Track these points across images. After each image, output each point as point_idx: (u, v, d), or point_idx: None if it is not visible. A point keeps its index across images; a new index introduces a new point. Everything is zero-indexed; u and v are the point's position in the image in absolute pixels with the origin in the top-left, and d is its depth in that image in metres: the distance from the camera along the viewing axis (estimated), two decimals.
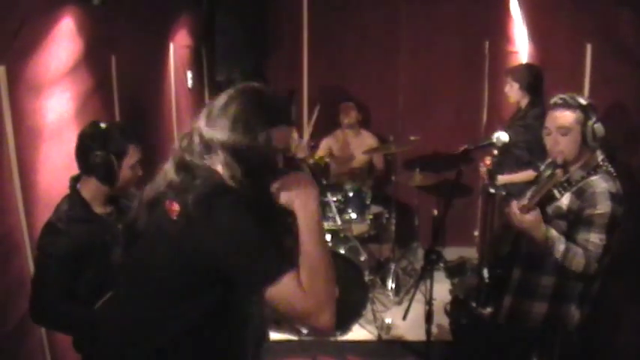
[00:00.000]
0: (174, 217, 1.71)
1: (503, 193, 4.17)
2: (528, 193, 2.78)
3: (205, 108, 1.83)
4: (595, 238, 2.54)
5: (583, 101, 2.64)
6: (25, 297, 2.44)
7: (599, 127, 2.60)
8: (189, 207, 1.67)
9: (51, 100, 2.84)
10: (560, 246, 2.56)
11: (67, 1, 2.92)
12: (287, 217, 1.79)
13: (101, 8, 3.03)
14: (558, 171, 2.62)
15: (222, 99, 1.81)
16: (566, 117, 2.64)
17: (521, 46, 4.59)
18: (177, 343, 1.80)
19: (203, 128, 1.78)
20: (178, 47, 4.81)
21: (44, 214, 2.51)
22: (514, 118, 4.25)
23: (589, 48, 3.28)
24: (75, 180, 2.50)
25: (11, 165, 2.51)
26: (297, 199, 1.76)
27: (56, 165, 2.81)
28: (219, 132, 1.74)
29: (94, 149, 2.39)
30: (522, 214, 2.60)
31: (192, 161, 1.78)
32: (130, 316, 1.87)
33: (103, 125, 2.47)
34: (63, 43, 2.91)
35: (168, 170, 1.82)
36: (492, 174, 4.24)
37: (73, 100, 3.05)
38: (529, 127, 3.90)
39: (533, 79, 4.20)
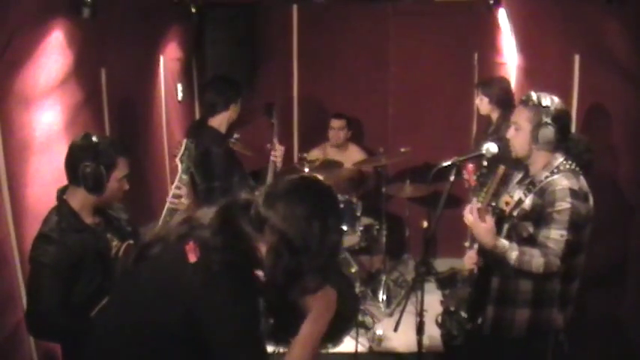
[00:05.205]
0: (190, 261, 1.69)
1: (493, 204, 4.16)
2: (480, 196, 2.76)
3: (266, 188, 1.80)
4: (555, 235, 2.54)
5: (546, 102, 2.62)
6: (13, 309, 2.42)
7: (546, 131, 2.59)
8: (214, 265, 1.66)
9: (40, 112, 2.83)
10: (513, 253, 2.58)
11: (57, 13, 2.92)
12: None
13: (91, 21, 3.03)
14: (501, 167, 2.64)
15: (288, 185, 1.78)
16: (520, 114, 2.69)
17: (510, 58, 4.63)
18: None
19: (260, 207, 1.73)
20: (168, 60, 4.82)
21: (33, 226, 2.50)
22: (487, 132, 4.25)
23: (577, 59, 3.32)
24: (62, 192, 2.50)
25: (0, 177, 2.51)
26: (315, 309, 1.79)
27: (45, 178, 2.80)
28: (278, 217, 1.70)
29: (84, 160, 2.40)
30: (476, 221, 2.61)
31: (241, 228, 1.74)
32: (113, 340, 1.83)
33: (94, 138, 2.48)
34: (53, 55, 2.91)
35: (210, 217, 1.79)
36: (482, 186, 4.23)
37: (63, 113, 3.05)
38: (502, 140, 3.87)
39: (503, 93, 4.22)
